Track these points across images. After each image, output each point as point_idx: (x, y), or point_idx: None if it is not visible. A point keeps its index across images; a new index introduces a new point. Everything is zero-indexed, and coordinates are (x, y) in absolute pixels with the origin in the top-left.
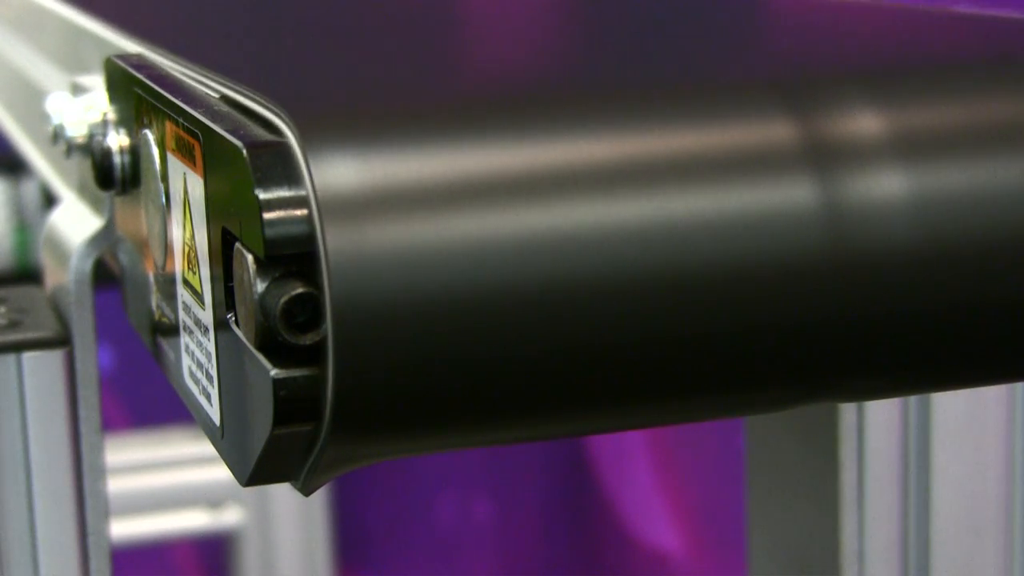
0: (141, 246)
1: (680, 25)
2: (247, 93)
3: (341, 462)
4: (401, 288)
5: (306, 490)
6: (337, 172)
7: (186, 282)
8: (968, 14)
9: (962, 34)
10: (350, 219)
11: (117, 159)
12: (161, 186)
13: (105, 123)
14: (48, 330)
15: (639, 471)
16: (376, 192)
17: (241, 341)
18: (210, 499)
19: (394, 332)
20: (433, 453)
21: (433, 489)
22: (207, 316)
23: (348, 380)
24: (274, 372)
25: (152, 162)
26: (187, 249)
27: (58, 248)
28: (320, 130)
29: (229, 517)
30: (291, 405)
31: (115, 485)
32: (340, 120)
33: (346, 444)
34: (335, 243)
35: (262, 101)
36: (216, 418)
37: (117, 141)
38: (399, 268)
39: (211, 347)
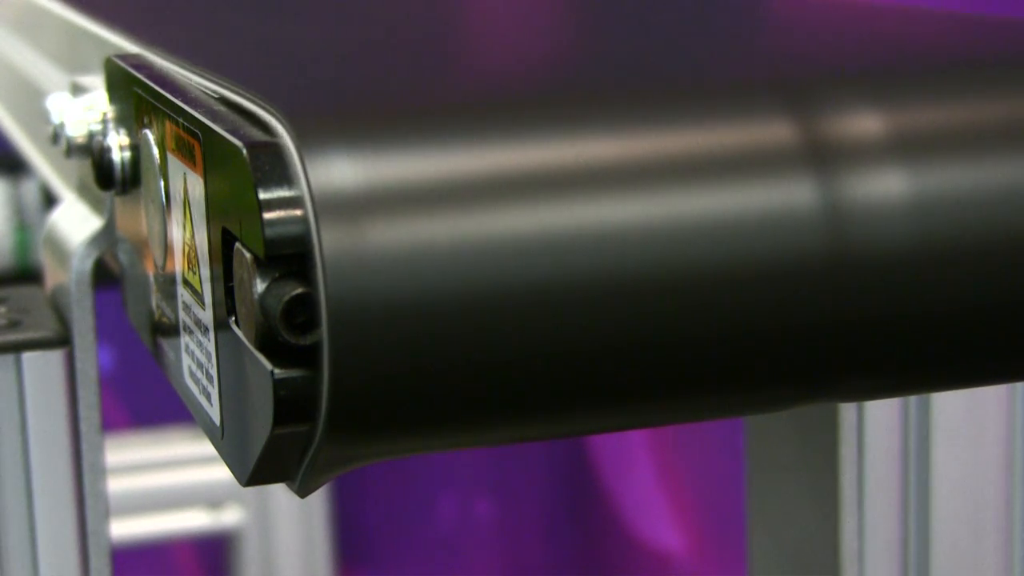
0: (141, 246)
1: (680, 25)
2: (245, 93)
3: (338, 463)
4: (398, 289)
5: (303, 492)
6: (334, 172)
7: (186, 282)
8: (968, 14)
9: (962, 34)
10: (346, 219)
11: (117, 159)
12: (161, 186)
13: (105, 123)
14: (48, 330)
15: (640, 471)
16: (373, 192)
17: (241, 341)
18: (210, 499)
19: (390, 333)
20: (430, 453)
21: (434, 489)
22: (207, 316)
23: (344, 381)
24: (274, 372)
25: (152, 162)
26: (187, 249)
27: (58, 248)
28: (317, 130)
29: (229, 517)
30: (291, 405)
31: (115, 485)
32: (337, 120)
33: (342, 445)
34: (331, 243)
35: (259, 101)
36: (216, 418)
37: (117, 141)
38: (396, 269)
39: (211, 347)
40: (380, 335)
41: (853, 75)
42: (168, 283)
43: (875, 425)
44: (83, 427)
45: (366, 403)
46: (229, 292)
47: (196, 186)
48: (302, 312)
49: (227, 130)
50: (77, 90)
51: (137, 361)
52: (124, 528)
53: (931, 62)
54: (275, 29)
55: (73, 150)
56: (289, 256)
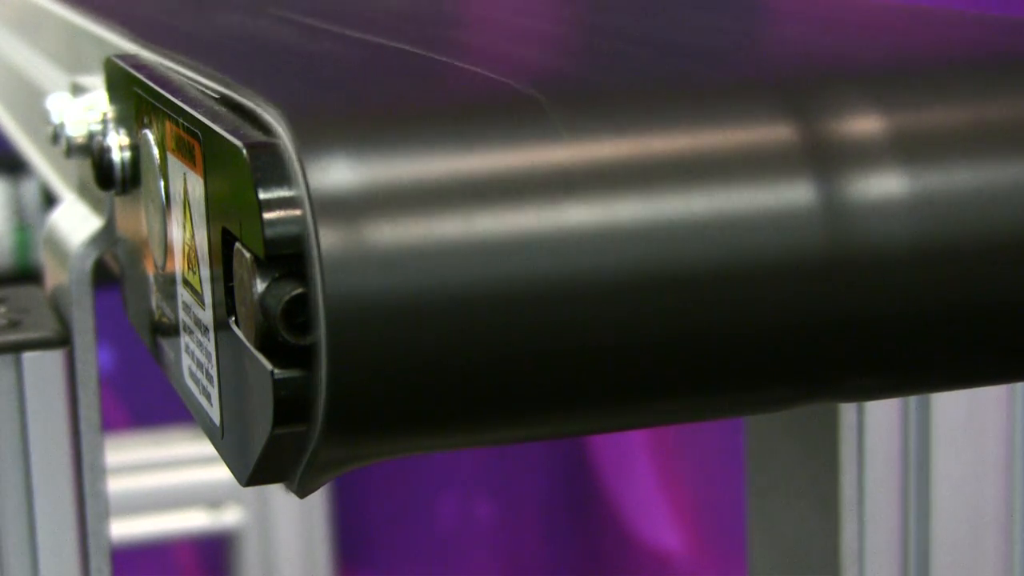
0: (141, 246)
1: (680, 25)
2: (244, 93)
3: (336, 463)
4: (396, 289)
5: (301, 493)
6: (333, 173)
7: (186, 282)
8: (968, 14)
9: (962, 34)
10: (345, 220)
11: (117, 159)
12: (161, 186)
13: (105, 123)
14: (48, 330)
15: (640, 471)
16: (371, 193)
17: (241, 341)
18: (210, 499)
19: (388, 333)
20: (428, 453)
21: (434, 489)
22: (207, 316)
23: (341, 381)
24: (274, 372)
25: (152, 162)
26: (187, 249)
27: (58, 248)
28: (317, 131)
29: (229, 517)
30: (291, 405)
31: (115, 485)
32: (336, 121)
33: (340, 445)
34: (329, 244)
35: (259, 102)
36: (216, 418)
37: (117, 141)
38: (394, 269)
39: (211, 347)
40: (378, 335)
41: (853, 75)
42: (168, 283)
43: (875, 425)
44: (83, 427)
45: (364, 403)
46: (229, 292)
47: (196, 186)
48: (302, 312)
49: (227, 130)
50: (77, 90)
51: (137, 361)
52: (124, 528)
53: (931, 62)
54: (275, 30)
55: (73, 150)
56: (289, 256)
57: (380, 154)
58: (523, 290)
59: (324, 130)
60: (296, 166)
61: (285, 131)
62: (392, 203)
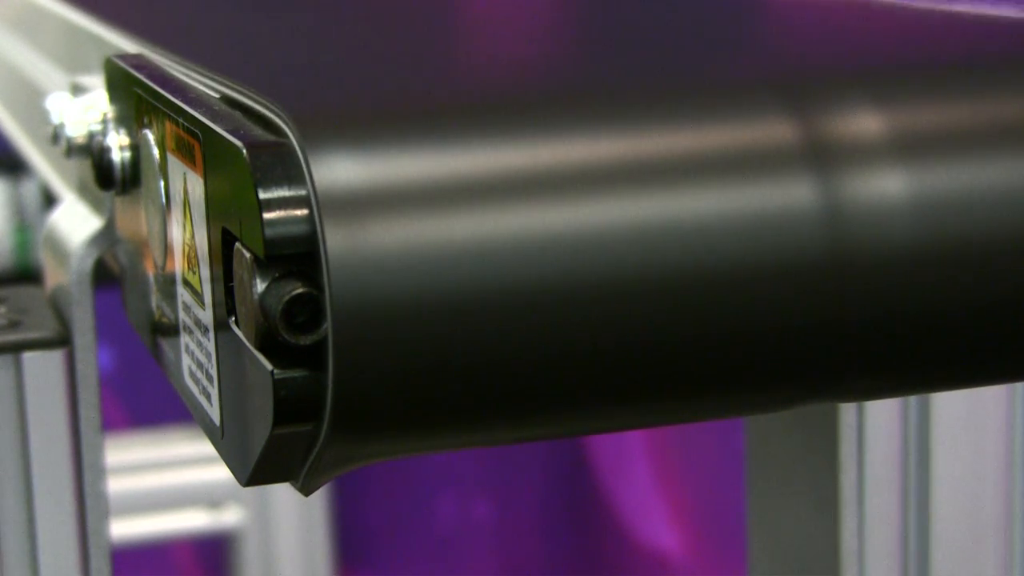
0: (141, 246)
1: (680, 25)
2: (247, 93)
3: (341, 462)
4: (402, 288)
5: (306, 490)
6: (337, 172)
7: (186, 282)
8: (968, 14)
9: (962, 34)
10: (350, 219)
11: (117, 159)
12: (161, 186)
13: (105, 123)
14: (48, 330)
15: (639, 471)
16: (376, 192)
17: (241, 341)
18: (210, 499)
19: (394, 332)
20: (432, 453)
21: (433, 489)
22: (207, 316)
23: (348, 380)
24: (274, 372)
25: (152, 162)
26: (187, 249)
27: (58, 248)
28: (320, 130)
29: (229, 517)
30: (291, 405)
31: (115, 485)
32: (340, 120)
33: (346, 444)
34: (335, 243)
35: (262, 101)
36: (216, 418)
37: (117, 141)
38: (400, 268)
39: (211, 347)
40: (384, 335)
41: (853, 75)
42: (168, 283)
43: (875, 425)
44: (83, 427)
45: (370, 403)
46: (229, 292)
47: (196, 186)
48: (302, 312)
49: (227, 130)
50: (77, 90)
51: (137, 361)
52: (124, 528)
53: (931, 62)
54: (276, 29)
55: (73, 150)
56: (289, 256)
57: (386, 152)
58: (528, 289)
59: (329, 128)
60: (303, 165)
61: (290, 129)
62: (398, 201)
